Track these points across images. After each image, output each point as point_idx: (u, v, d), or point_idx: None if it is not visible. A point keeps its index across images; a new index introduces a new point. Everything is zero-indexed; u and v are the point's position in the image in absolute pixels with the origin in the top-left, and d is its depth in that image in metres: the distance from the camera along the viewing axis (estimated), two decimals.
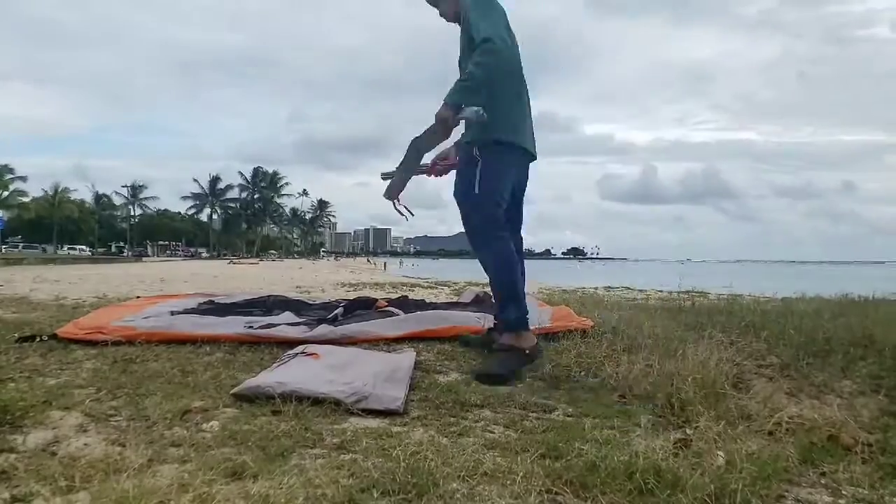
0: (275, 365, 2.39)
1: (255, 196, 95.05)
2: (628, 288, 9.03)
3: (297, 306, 4.35)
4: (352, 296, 5.97)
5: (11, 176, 61.10)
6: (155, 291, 6.21)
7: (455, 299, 5.37)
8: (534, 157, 2.89)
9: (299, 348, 2.60)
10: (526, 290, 2.86)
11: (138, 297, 4.73)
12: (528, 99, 2.84)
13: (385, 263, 63.20)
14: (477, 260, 2.76)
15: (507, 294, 2.70)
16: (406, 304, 4.27)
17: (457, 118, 2.53)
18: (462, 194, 2.73)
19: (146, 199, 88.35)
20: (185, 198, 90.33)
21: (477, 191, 2.65)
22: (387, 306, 4.20)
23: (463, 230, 2.78)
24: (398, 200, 2.89)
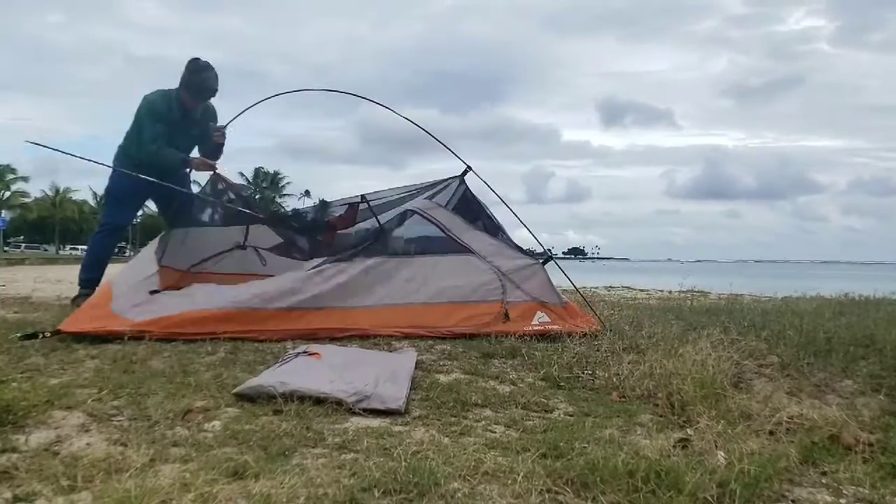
0: (276, 365, 2.40)
1: (257, 196, 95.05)
2: (629, 287, 9.03)
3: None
4: None
5: (13, 176, 61.19)
6: None
7: None
8: None
9: (301, 348, 2.61)
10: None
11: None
12: None
13: None
14: None
15: None
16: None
17: None
18: None
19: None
20: None
21: None
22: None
23: None
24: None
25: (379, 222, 3.93)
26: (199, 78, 4.16)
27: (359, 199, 4.18)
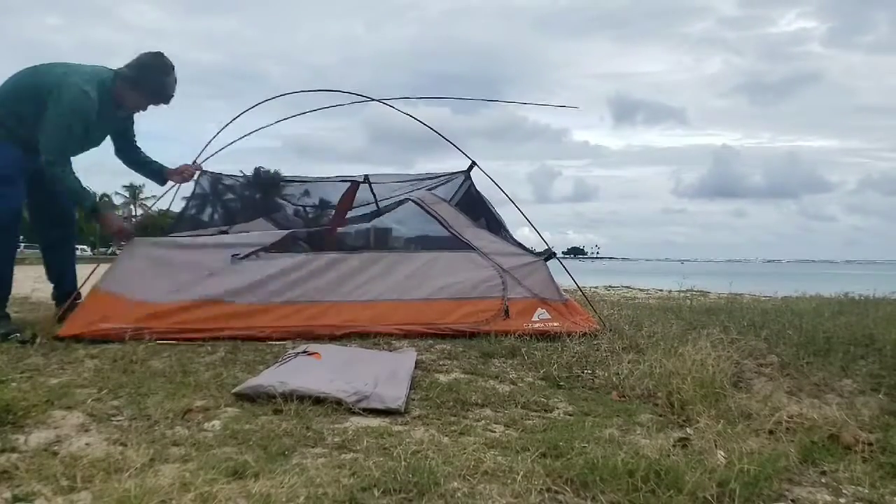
0: (276, 364, 2.39)
1: (257, 196, 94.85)
2: (629, 287, 9.04)
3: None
4: None
5: None
6: None
7: None
8: None
9: (300, 348, 2.61)
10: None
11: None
12: None
13: None
14: None
15: None
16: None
17: None
18: None
19: (147, 199, 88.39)
20: (185, 198, 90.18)
21: None
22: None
23: None
24: None
25: (377, 203, 3.95)
26: (162, 82, 3.35)
27: (361, 179, 4.20)
